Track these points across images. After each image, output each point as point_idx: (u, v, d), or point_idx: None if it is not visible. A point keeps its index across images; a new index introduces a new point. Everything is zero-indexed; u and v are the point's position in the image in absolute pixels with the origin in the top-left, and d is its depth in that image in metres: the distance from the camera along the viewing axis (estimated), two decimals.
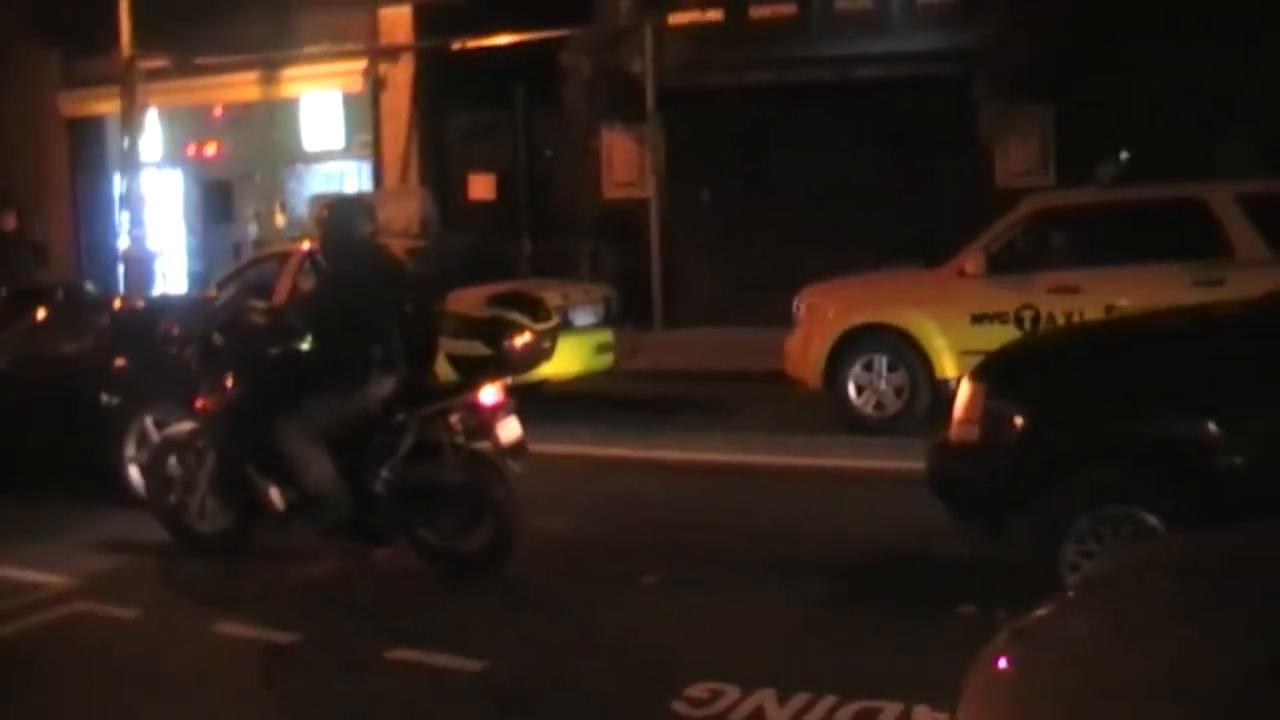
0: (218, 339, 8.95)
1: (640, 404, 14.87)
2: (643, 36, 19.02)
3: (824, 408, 12.93)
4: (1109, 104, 16.98)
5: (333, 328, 8.40)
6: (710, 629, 7.24)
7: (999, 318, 12.08)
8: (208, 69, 21.94)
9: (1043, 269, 12.24)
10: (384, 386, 8.34)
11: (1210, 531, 4.59)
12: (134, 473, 10.28)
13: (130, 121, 21.11)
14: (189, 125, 24.36)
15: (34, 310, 12.24)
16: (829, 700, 6.03)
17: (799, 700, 6.07)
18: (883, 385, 12.68)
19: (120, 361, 10.93)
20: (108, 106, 22.72)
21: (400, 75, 21.84)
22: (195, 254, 24.88)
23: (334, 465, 8.28)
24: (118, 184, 23.86)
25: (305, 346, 8.66)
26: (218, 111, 24.10)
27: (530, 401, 9.10)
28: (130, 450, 10.39)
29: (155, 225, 23.17)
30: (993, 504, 7.06)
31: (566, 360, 13.26)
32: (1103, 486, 6.69)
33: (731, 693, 6.20)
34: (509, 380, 8.52)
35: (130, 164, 21.55)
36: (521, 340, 8.51)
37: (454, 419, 8.26)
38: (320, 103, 23.21)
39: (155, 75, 21.18)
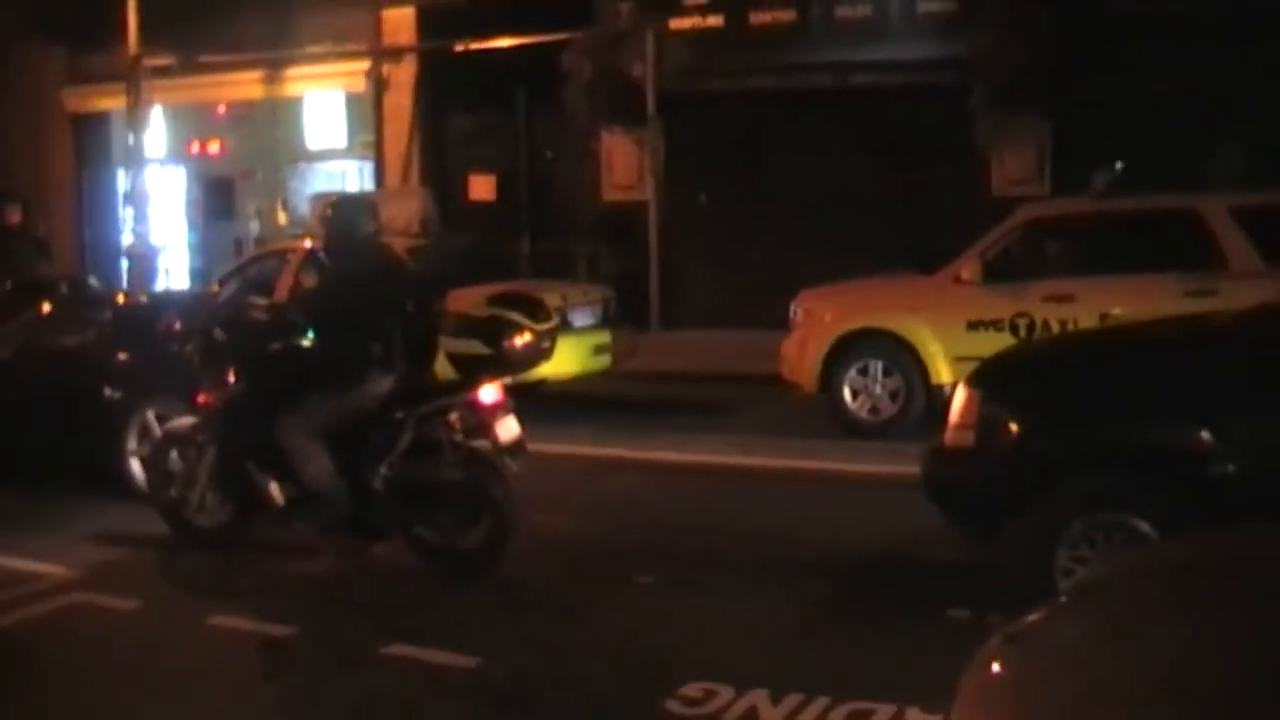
0: (219, 335, 8.99)
1: (637, 405, 14.91)
2: (643, 40, 19.06)
3: (820, 411, 12.98)
4: (1105, 112, 17.05)
5: (334, 325, 8.45)
6: (705, 629, 7.28)
7: (994, 325, 12.13)
8: (212, 67, 21.98)
9: (1038, 277, 12.30)
10: (384, 384, 8.38)
11: (1203, 536, 4.64)
12: (135, 466, 10.34)
13: (135, 118, 21.15)
14: (192, 123, 24.39)
15: (37, 304, 12.27)
16: (822, 701, 6.08)
17: (792, 700, 6.11)
18: (878, 390, 12.74)
19: (122, 356, 10.98)
20: (112, 103, 22.77)
21: (403, 76, 21.89)
22: (197, 250, 24.92)
23: (333, 462, 8.32)
24: (121, 180, 23.99)
25: (306, 343, 8.69)
26: (221, 109, 24.13)
27: (528, 401, 9.15)
28: (131, 444, 10.44)
29: (158, 221, 23.24)
30: (987, 509, 7.12)
31: (564, 360, 13.30)
32: (1096, 493, 6.75)
33: (725, 693, 6.24)
34: (508, 379, 8.57)
35: (134, 160, 21.62)
36: (521, 340, 8.59)
37: (453, 417, 8.31)
38: (323, 102, 23.25)
39: (160, 73, 21.21)
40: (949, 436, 7.28)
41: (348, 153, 23.30)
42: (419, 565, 8.35)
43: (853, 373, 12.80)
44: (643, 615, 7.62)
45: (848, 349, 12.83)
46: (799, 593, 7.84)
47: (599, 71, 19.27)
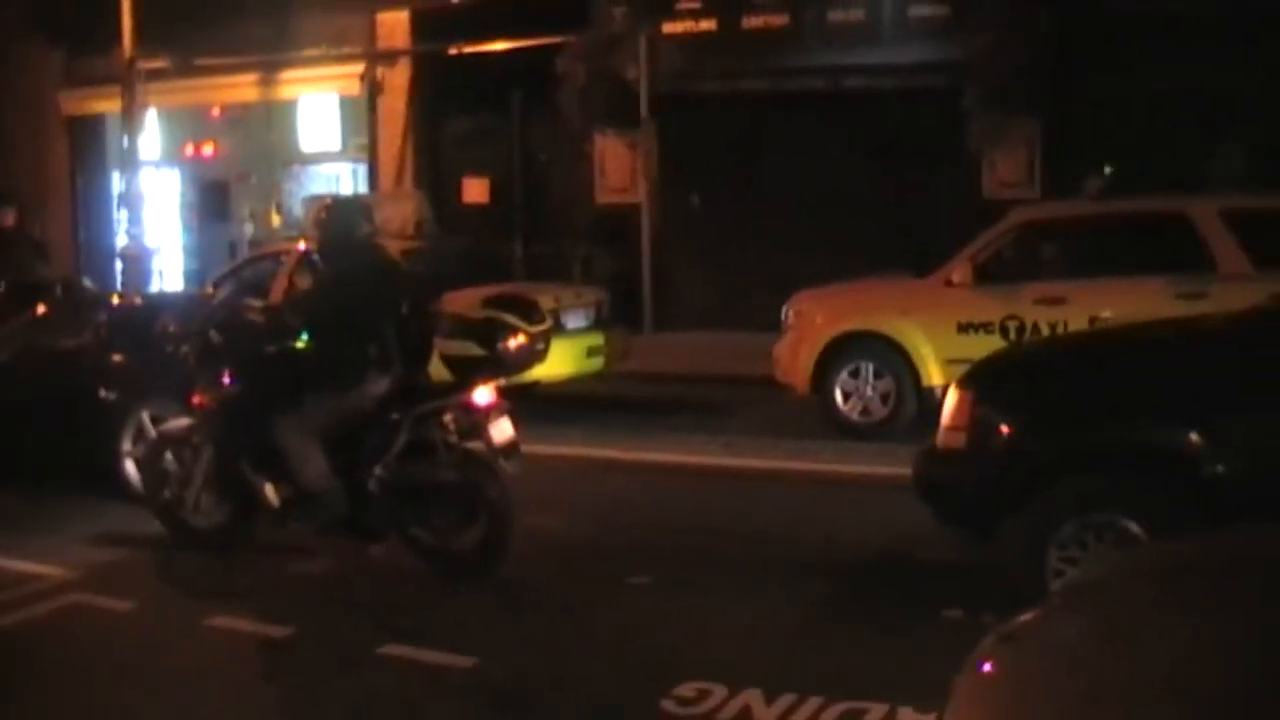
0: (215, 336, 8.99)
1: (631, 406, 14.93)
2: (637, 44, 19.09)
3: (813, 413, 13.02)
4: (1101, 113, 17.10)
5: (329, 327, 8.47)
6: (700, 629, 7.32)
7: (985, 327, 12.18)
8: (207, 70, 22.01)
9: (1029, 280, 12.33)
10: (379, 385, 8.41)
11: (1197, 536, 4.67)
12: (130, 467, 10.35)
13: (130, 121, 21.18)
14: (187, 125, 24.42)
15: (33, 306, 12.29)
16: (815, 701, 6.12)
17: (785, 700, 6.15)
18: (869, 392, 12.78)
19: (118, 357, 11.00)
20: (108, 106, 22.78)
21: (397, 79, 21.91)
22: (191, 252, 24.95)
23: (329, 463, 8.35)
24: (116, 182, 23.93)
25: (301, 345, 8.71)
26: (216, 112, 24.15)
27: (521, 403, 9.18)
28: (127, 445, 10.46)
29: (153, 223, 23.22)
30: (979, 510, 7.16)
31: (558, 362, 13.32)
32: (1087, 494, 6.78)
33: (719, 692, 6.28)
34: (502, 381, 8.61)
35: (129, 163, 21.63)
36: (516, 342, 8.59)
37: (448, 419, 8.33)
38: (317, 105, 23.27)
39: (155, 75, 21.24)
40: (941, 438, 7.32)
41: (342, 155, 23.33)
42: (416, 566, 8.38)
43: (844, 375, 12.84)
44: (638, 615, 7.65)
45: (839, 351, 12.88)
46: (793, 593, 7.88)
47: (593, 74, 19.31)
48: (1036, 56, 16.91)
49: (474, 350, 8.54)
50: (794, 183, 19.27)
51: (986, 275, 12.39)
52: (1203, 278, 11.48)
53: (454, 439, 8.35)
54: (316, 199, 16.70)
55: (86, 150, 25.13)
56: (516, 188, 21.54)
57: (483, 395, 8.27)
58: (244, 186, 24.22)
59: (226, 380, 8.88)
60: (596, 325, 14.68)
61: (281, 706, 6.76)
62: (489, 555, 8.19)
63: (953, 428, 7.20)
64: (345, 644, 7.22)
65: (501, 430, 8.26)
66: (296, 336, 8.71)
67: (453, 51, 20.69)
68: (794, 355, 13.16)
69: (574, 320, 14.26)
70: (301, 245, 14.22)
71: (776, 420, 13.37)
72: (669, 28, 19.62)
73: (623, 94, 19.26)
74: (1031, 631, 3.67)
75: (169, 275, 24.45)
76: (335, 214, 8.92)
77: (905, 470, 7.98)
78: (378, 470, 8.33)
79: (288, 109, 23.40)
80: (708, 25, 19.69)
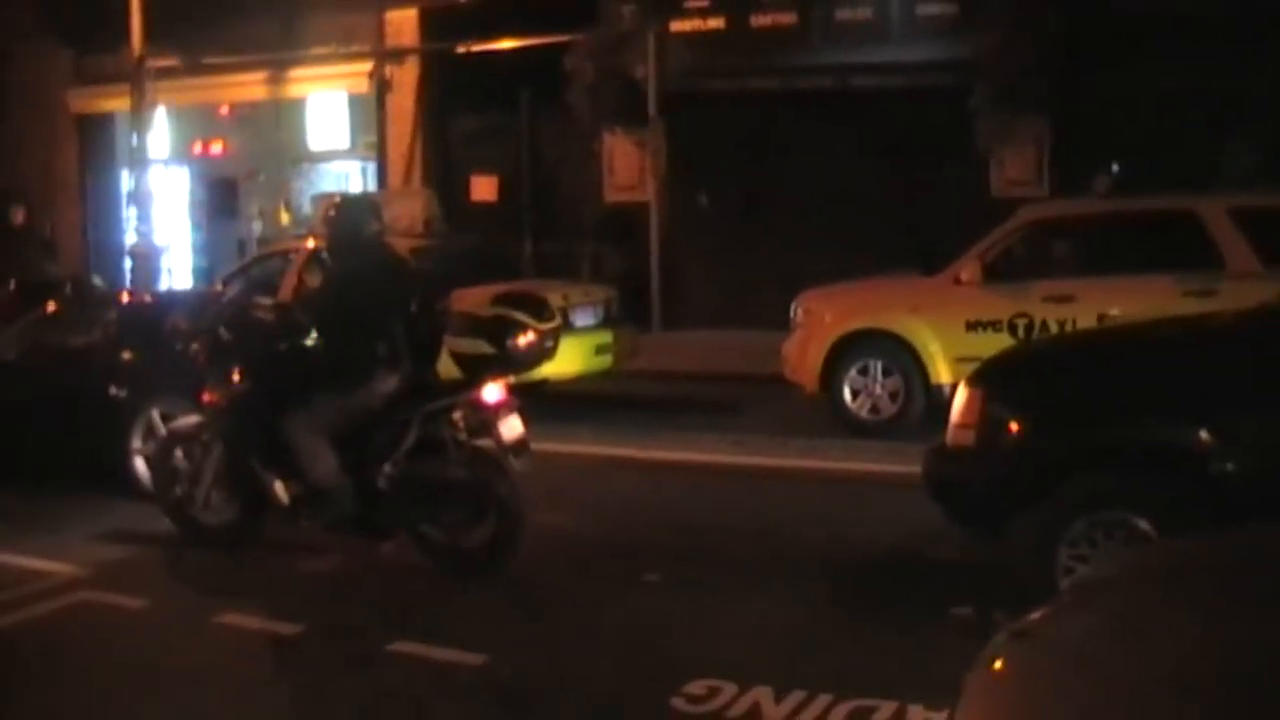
0: (225, 334, 9.01)
1: (639, 404, 14.94)
2: (646, 42, 19.09)
3: (821, 411, 13.03)
4: (1109, 112, 17.10)
5: (338, 324, 8.49)
6: (710, 627, 7.33)
7: (993, 325, 12.18)
8: (216, 68, 22.03)
9: (1037, 278, 12.33)
10: (388, 383, 8.43)
11: (1207, 535, 4.67)
12: (140, 465, 10.39)
13: (139, 119, 21.23)
14: (196, 123, 24.43)
15: (42, 303, 12.32)
16: (824, 698, 6.12)
17: (795, 698, 6.16)
18: (878, 390, 12.79)
19: (127, 355, 11.02)
20: (117, 104, 22.84)
21: (406, 77, 21.93)
22: (200, 250, 25.01)
23: (338, 460, 8.36)
24: (125, 180, 24.04)
25: (311, 343, 8.73)
26: (225, 110, 24.16)
27: (530, 401, 9.19)
28: (137, 443, 10.50)
29: (162, 221, 23.29)
30: (989, 508, 7.15)
31: (566, 360, 13.33)
32: (1097, 492, 6.77)
33: (729, 690, 6.28)
34: (512, 379, 8.61)
35: (138, 161, 21.70)
36: (525, 339, 8.62)
37: (457, 416, 8.34)
38: (326, 103, 23.29)
39: (164, 74, 21.25)
40: (951, 436, 7.31)
41: (351, 153, 23.35)
42: (426, 563, 8.39)
43: (853, 373, 12.85)
44: (648, 613, 7.66)
45: (848, 349, 12.88)
46: (802, 590, 7.89)
47: (601, 73, 19.32)
48: (1045, 55, 16.90)
49: (484, 348, 8.57)
50: (802, 181, 19.28)
51: (995, 273, 12.40)
52: (1211, 276, 11.48)
53: (463, 436, 8.36)
54: (325, 197, 16.70)
55: (96, 148, 25.18)
56: (525, 186, 21.56)
57: (492, 393, 8.28)
58: (253, 184, 24.24)
59: (236, 378, 8.90)
60: (605, 323, 14.68)
61: (291, 704, 6.76)
62: (498, 553, 8.20)
63: (962, 425, 7.20)
64: (355, 641, 7.24)
65: (511, 428, 8.27)
66: (306, 334, 8.72)
67: (461, 50, 20.70)
68: (803, 353, 13.17)
69: (583, 318, 14.25)
70: (310, 243, 14.23)
71: (785, 418, 13.37)
72: (677, 26, 19.63)
73: (631, 92, 19.27)
74: (1042, 629, 3.66)
75: (178, 273, 24.52)
76: (344, 212, 8.93)
77: (914, 468, 7.99)
78: (387, 468, 8.34)
79: (296, 107, 23.43)
80: (716, 24, 19.71)
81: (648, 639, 7.25)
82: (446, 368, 8.81)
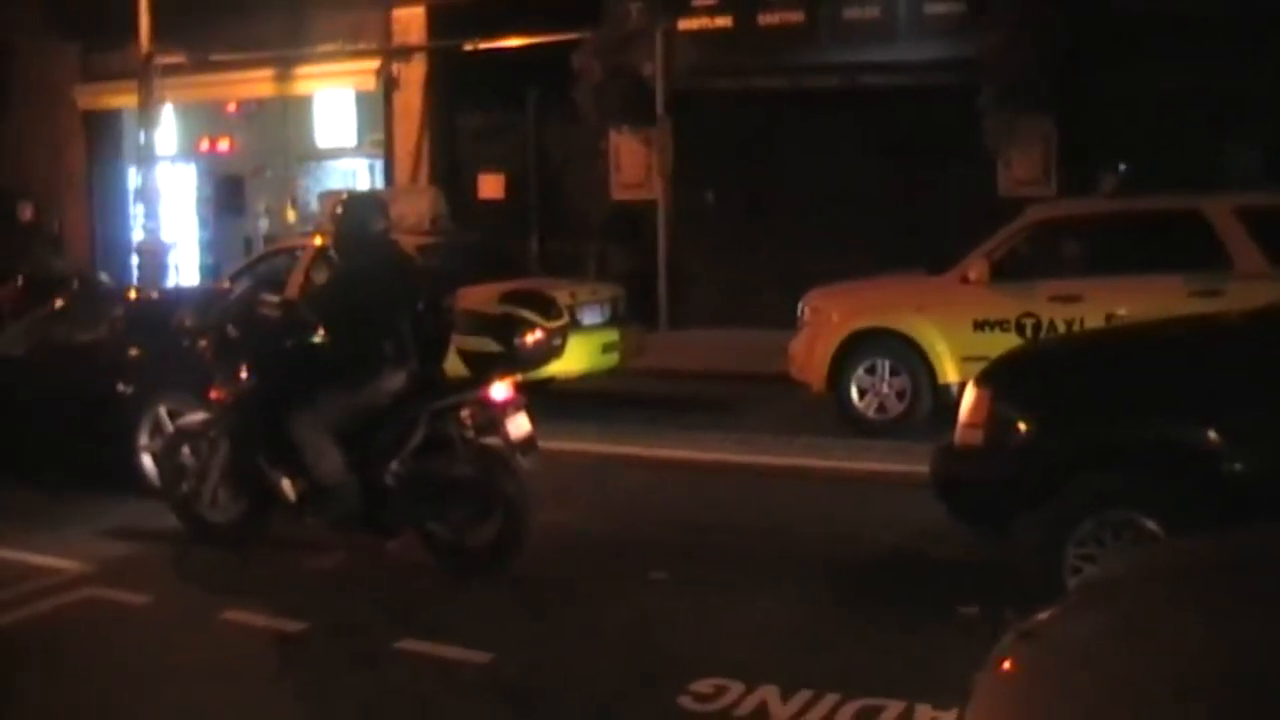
0: (232, 331, 9.01)
1: (645, 403, 14.93)
2: (653, 40, 19.10)
3: (828, 410, 13.02)
4: (1114, 111, 17.09)
5: (345, 322, 8.49)
6: (716, 625, 7.33)
7: (1000, 325, 12.17)
8: (223, 65, 22.05)
9: (1044, 277, 12.32)
10: (395, 380, 8.44)
11: (1215, 535, 4.66)
12: (147, 461, 10.41)
13: (146, 116, 21.27)
14: (203, 120, 24.47)
15: (50, 299, 12.34)
16: (832, 698, 6.12)
17: (802, 697, 6.16)
18: (885, 389, 12.78)
19: (134, 351, 11.04)
20: (124, 101, 22.85)
21: (413, 75, 21.94)
22: (207, 247, 25.04)
23: (345, 458, 8.36)
24: (133, 177, 24.06)
25: (318, 340, 8.74)
26: (232, 107, 24.20)
27: (536, 399, 9.18)
28: (144, 439, 10.51)
29: (169, 218, 23.33)
30: (996, 507, 7.15)
31: (573, 358, 13.22)
32: (1105, 491, 6.76)
33: (736, 688, 6.28)
34: (519, 377, 8.62)
35: (145, 158, 21.74)
36: (533, 337, 8.58)
37: (465, 414, 8.34)
38: (333, 100, 23.31)
39: (172, 71, 21.31)
40: (959, 435, 7.30)
41: (358, 151, 23.37)
42: (432, 561, 8.39)
43: (860, 372, 12.84)
44: (654, 611, 7.65)
45: (855, 348, 12.87)
46: (809, 589, 7.88)
47: (608, 71, 19.32)
48: (1051, 54, 16.88)
49: (491, 346, 8.53)
50: (809, 180, 19.28)
51: (1002, 273, 12.38)
52: (1218, 275, 11.46)
53: (471, 434, 8.36)
54: (332, 194, 16.69)
55: (103, 145, 25.19)
56: (532, 184, 21.57)
57: (499, 391, 8.29)
58: (260, 181, 24.28)
59: (243, 375, 8.90)
60: (612, 321, 14.69)
61: (296, 701, 6.76)
62: (504, 551, 8.20)
63: (971, 425, 7.19)
64: (360, 639, 7.24)
65: (518, 426, 8.27)
66: (313, 331, 8.73)
67: (468, 47, 20.71)
68: (809, 352, 13.16)
69: (589, 316, 14.26)
70: (317, 240, 14.24)
71: (791, 417, 13.37)
72: (685, 24, 19.63)
73: (638, 91, 19.28)
74: (1051, 629, 3.66)
75: (185, 270, 24.53)
76: (351, 209, 8.93)
77: (920, 467, 7.99)
78: (394, 465, 8.35)
79: (304, 104, 23.45)
80: (723, 22, 19.70)
81: (654, 637, 7.26)
82: (454, 365, 8.80)
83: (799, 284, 14.16)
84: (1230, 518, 5.83)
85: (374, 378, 8.41)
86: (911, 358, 12.64)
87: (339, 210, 9.04)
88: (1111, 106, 17.15)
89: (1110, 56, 16.90)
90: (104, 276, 17.36)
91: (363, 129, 23.20)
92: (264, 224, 23.88)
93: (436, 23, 21.60)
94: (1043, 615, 3.74)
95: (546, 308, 8.90)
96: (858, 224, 18.50)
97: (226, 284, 14.70)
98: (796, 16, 19.30)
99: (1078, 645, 3.50)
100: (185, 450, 9.37)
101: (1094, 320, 11.58)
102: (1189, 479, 6.50)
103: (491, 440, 8.36)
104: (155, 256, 21.72)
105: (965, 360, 12.00)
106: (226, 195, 24.52)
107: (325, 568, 8.72)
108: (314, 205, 20.44)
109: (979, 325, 12.30)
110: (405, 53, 21.93)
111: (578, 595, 8.16)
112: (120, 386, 10.72)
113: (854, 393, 12.85)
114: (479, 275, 13.31)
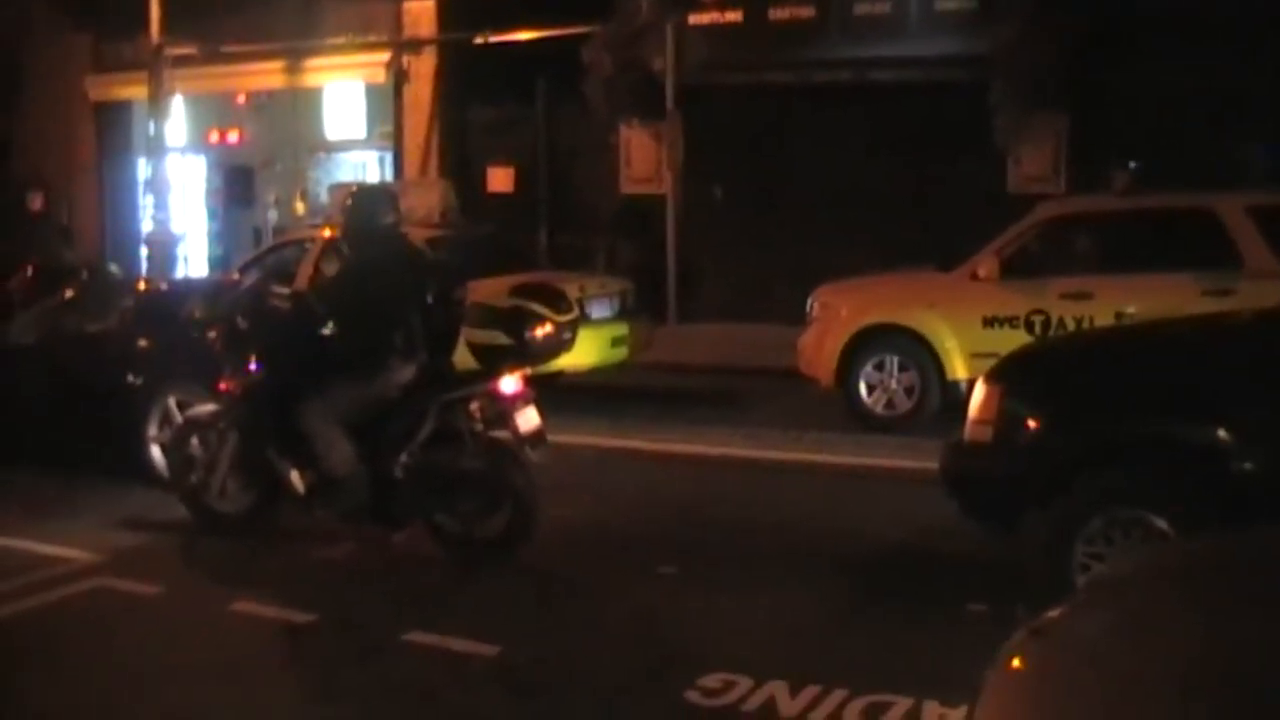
0: (241, 322, 9.02)
1: (654, 397, 14.95)
2: (663, 34, 19.08)
3: (837, 405, 13.02)
4: (1125, 109, 17.07)
5: (355, 314, 8.51)
6: (724, 620, 7.33)
7: (1010, 321, 12.18)
8: (234, 57, 22.03)
9: (1055, 274, 12.32)
10: (405, 373, 8.45)
11: (1224, 534, 4.66)
12: (156, 452, 10.39)
13: (156, 107, 21.29)
14: (213, 111, 24.46)
15: (60, 289, 12.33)
16: (840, 693, 6.13)
17: (810, 692, 6.16)
18: (894, 385, 12.78)
19: (144, 342, 11.02)
20: (135, 92, 22.87)
21: (423, 67, 21.94)
22: (216, 238, 25.05)
23: (354, 449, 8.37)
24: (143, 168, 24.09)
25: (327, 331, 8.74)
26: (242, 99, 24.19)
27: (545, 392, 9.20)
28: (153, 430, 10.50)
29: (178, 209, 23.37)
30: (1005, 504, 7.15)
31: (582, 352, 13.22)
32: (1114, 489, 6.76)
33: (744, 683, 6.29)
34: (529, 370, 8.62)
35: (155, 149, 21.77)
36: (543, 331, 8.59)
37: (474, 407, 8.36)
38: (343, 93, 23.30)
39: (182, 62, 21.31)
40: (968, 431, 7.30)
41: (368, 143, 23.36)
42: (440, 553, 8.40)
43: (869, 367, 12.84)
44: (662, 605, 7.66)
45: (864, 344, 12.87)
46: (817, 585, 7.88)
47: (619, 65, 19.31)
48: (1063, 50, 16.86)
49: (500, 339, 8.54)
50: (819, 175, 19.28)
51: (1012, 269, 12.38)
52: (1229, 274, 11.46)
53: (480, 427, 8.38)
54: (342, 186, 16.74)
55: (113, 136, 25.21)
56: (541, 177, 21.57)
57: (509, 384, 8.30)
58: (269, 173, 24.28)
59: (252, 366, 8.91)
60: (621, 315, 14.70)
61: (304, 692, 6.76)
62: (513, 543, 8.22)
63: (980, 421, 7.19)
64: (369, 630, 7.24)
65: (527, 419, 8.28)
66: (322, 323, 8.72)
67: (479, 40, 20.69)
68: (819, 347, 13.16)
69: (599, 310, 14.27)
70: (327, 232, 14.24)
71: (799, 412, 13.37)
72: (695, 19, 19.64)
73: (648, 85, 19.26)
74: (1058, 628, 3.67)
75: (194, 261, 24.56)
76: (361, 202, 8.94)
77: (929, 464, 8.00)
78: (403, 457, 8.36)
79: (313, 96, 23.44)
80: (734, 17, 19.71)
81: (662, 631, 7.27)
82: (463, 358, 8.81)
83: (808, 279, 14.16)
84: (1237, 517, 5.84)
85: (383, 370, 8.43)
86: (921, 354, 12.64)
87: (349, 202, 9.04)
88: (1122, 104, 17.13)
89: (1121, 54, 16.89)
90: (114, 267, 17.32)
91: (372, 121, 23.19)
92: (273, 216, 23.88)
93: (447, 15, 21.60)
94: (1052, 613, 3.74)
95: (556, 301, 8.90)
96: (867, 219, 18.50)
97: (236, 275, 14.73)
98: (807, 11, 19.30)
99: (1086, 644, 3.51)
100: (194, 441, 9.38)
101: (1104, 318, 11.58)
102: (1199, 478, 6.49)
103: (500, 433, 8.37)
104: (165, 247, 21.76)
105: (974, 357, 12.01)
106: (236, 187, 24.52)
107: (334, 559, 8.72)
108: (323, 197, 20.50)
109: (988, 322, 12.30)
110: (415, 45, 21.93)
111: (586, 588, 8.16)
112: (130, 377, 10.71)
113: (863, 388, 12.85)
114: (488, 268, 13.30)
